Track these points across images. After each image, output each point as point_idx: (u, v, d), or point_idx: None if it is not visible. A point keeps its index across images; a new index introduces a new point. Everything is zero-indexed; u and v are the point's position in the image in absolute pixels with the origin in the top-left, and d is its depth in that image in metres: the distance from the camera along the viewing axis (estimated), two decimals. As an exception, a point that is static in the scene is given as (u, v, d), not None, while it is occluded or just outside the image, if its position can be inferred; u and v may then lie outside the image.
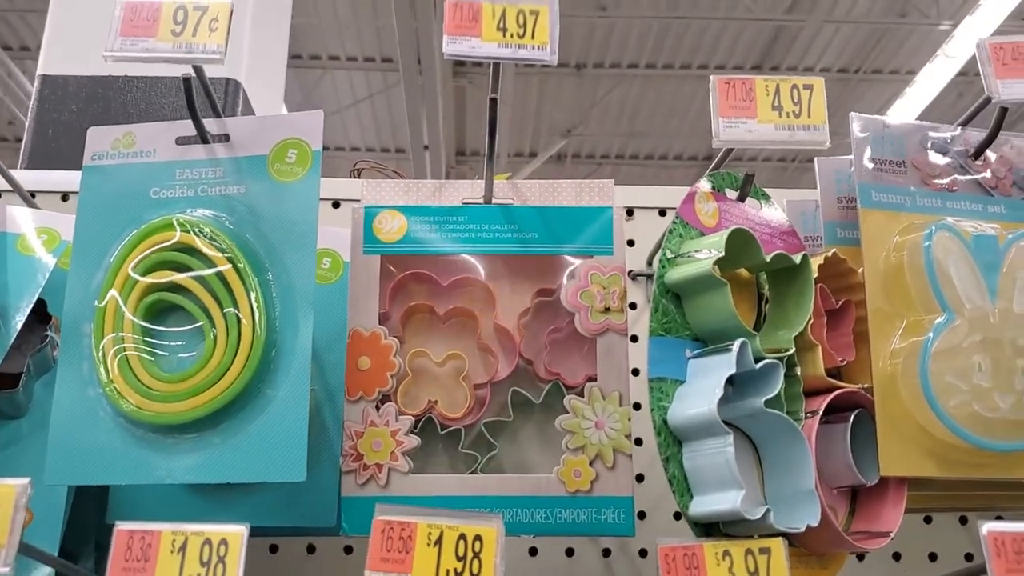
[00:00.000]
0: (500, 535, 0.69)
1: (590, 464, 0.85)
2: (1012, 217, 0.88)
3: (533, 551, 1.12)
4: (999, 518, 1.18)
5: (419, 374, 0.91)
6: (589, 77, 7.15)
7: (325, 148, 0.86)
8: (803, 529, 0.72)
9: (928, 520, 1.17)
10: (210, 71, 0.85)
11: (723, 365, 0.74)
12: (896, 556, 1.16)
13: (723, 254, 0.76)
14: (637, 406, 1.15)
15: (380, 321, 0.90)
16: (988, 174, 0.88)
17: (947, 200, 0.88)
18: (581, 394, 0.87)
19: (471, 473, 0.88)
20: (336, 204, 1.22)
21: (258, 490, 0.91)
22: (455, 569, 0.68)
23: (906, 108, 6.47)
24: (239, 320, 0.80)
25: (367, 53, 6.45)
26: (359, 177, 1.51)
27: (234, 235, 0.83)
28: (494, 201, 0.94)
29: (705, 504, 0.72)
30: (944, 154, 0.88)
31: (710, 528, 0.74)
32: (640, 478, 1.14)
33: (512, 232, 0.92)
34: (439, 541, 0.69)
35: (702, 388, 0.74)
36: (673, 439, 0.75)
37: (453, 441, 0.90)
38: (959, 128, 0.89)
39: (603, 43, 6.73)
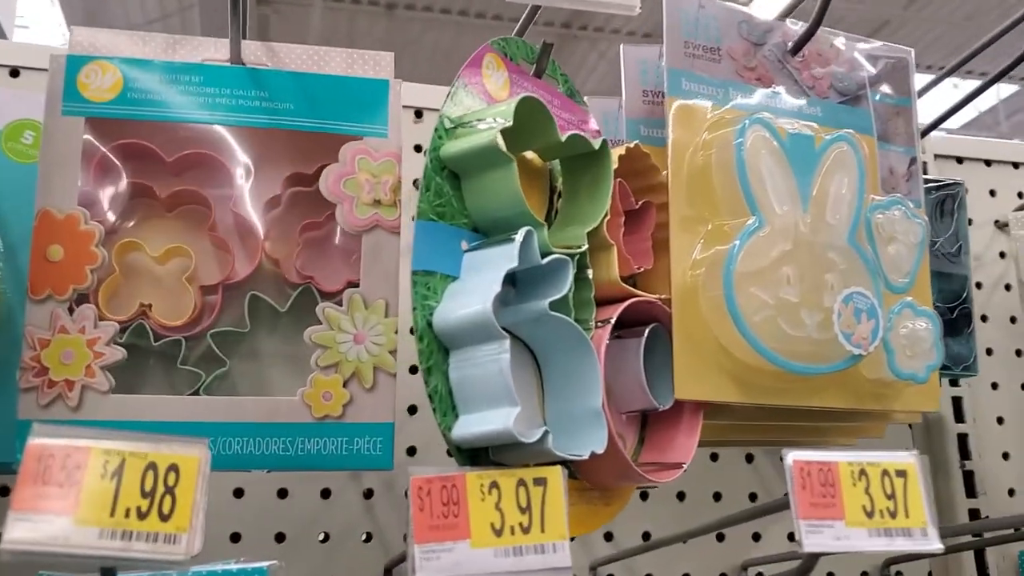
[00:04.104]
0: (203, 465, 0.53)
1: (344, 385, 0.70)
2: (828, 121, 0.79)
3: (283, 493, 0.96)
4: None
5: (130, 271, 0.73)
6: (400, 19, 6.91)
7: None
8: (586, 456, 0.60)
9: (714, 458, 1.11)
10: None
11: (503, 258, 0.60)
12: (680, 495, 1.09)
13: (510, 123, 0.62)
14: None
15: (81, 202, 0.70)
16: (805, 73, 0.79)
17: (762, 96, 0.78)
18: (340, 303, 0.72)
19: (192, 394, 0.71)
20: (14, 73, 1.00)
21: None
22: (139, 508, 0.51)
23: None
24: None
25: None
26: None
27: None
28: (244, 62, 0.76)
29: (472, 424, 0.58)
30: (761, 46, 0.79)
31: (477, 455, 0.61)
32: (413, 410, 1.00)
33: (262, 101, 0.75)
34: (119, 471, 0.52)
35: (477, 285, 0.60)
36: (439, 346, 0.61)
37: (171, 356, 0.72)
38: (779, 19, 0.80)
39: (414, -17, 6.51)
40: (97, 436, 0.52)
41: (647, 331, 0.70)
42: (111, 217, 0.74)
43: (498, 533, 0.56)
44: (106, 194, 0.74)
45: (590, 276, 0.67)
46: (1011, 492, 1.18)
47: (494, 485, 0.57)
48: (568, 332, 0.62)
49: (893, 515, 0.61)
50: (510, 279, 0.63)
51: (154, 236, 0.74)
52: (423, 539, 0.55)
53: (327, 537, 0.97)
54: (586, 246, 0.66)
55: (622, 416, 0.72)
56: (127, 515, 0.51)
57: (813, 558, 0.64)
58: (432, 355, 0.60)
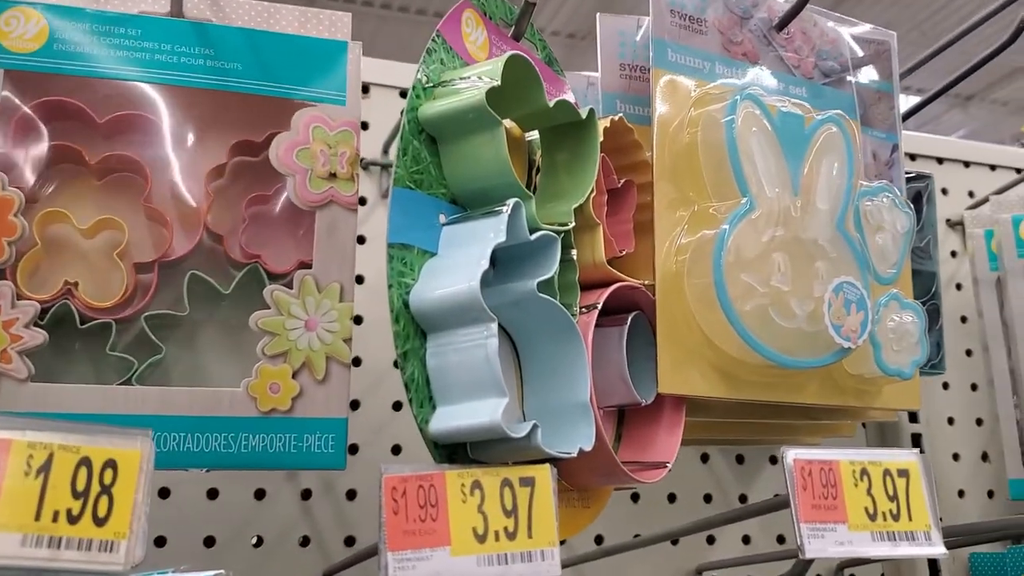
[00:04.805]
0: (146, 461, 0.46)
1: (293, 376, 0.64)
2: (813, 103, 0.76)
3: (213, 493, 0.88)
4: (739, 458, 1.11)
5: (54, 245, 0.65)
6: (318, 7, 6.78)
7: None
8: (575, 454, 0.54)
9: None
10: None
11: (490, 231, 0.54)
12: (634, 497, 1.04)
13: (498, 83, 0.56)
14: (358, 319, 0.94)
15: (-2, 165, 0.62)
16: (791, 52, 0.76)
17: (749, 72, 0.74)
18: (290, 285, 0.65)
19: (122, 384, 0.63)
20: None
21: None
22: (70, 510, 0.44)
23: None
24: None
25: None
26: None
27: None
28: (185, 16, 0.69)
29: (452, 417, 0.52)
30: (747, 20, 0.74)
31: (454, 452, 0.55)
32: (355, 405, 0.93)
33: (207, 59, 0.68)
34: (46, 468, 0.44)
35: (460, 261, 0.54)
36: (416, 329, 0.55)
37: (99, 340, 0.64)
38: (763, -6, 0.76)
39: (337, -27, 6.39)
40: (20, 426, 0.44)
41: (630, 319, 0.65)
42: (33, 183, 0.65)
43: (481, 539, 0.50)
44: (28, 157, 0.65)
45: (574, 257, 0.62)
46: (961, 493, 1.17)
47: (476, 485, 0.51)
48: (555, 317, 0.57)
49: (896, 517, 0.57)
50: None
51: (82, 206, 0.66)
52: (397, 546, 0.48)
53: (260, 541, 0.90)
54: (573, 223, 0.60)
55: (600, 411, 0.67)
56: (55, 519, 0.43)
57: (807, 564, 0.60)
58: (409, 339, 0.54)
